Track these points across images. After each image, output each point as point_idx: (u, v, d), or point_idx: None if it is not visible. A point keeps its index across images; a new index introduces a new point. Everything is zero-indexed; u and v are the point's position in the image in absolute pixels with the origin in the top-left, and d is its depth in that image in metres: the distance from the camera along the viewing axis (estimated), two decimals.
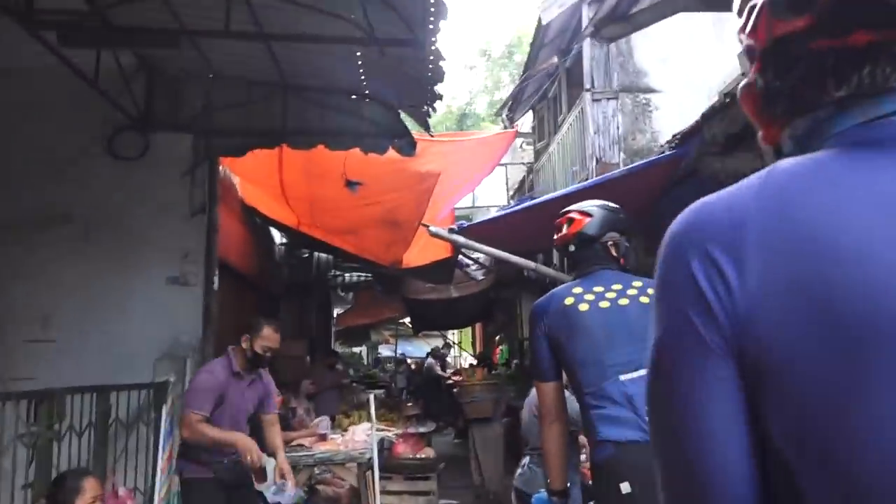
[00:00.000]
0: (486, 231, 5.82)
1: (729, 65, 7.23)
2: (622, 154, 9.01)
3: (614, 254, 2.55)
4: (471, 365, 12.69)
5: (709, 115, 5.32)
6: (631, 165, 6.19)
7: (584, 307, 2.43)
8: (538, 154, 12.94)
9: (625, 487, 2.17)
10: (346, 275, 14.19)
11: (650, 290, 2.41)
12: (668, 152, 5.42)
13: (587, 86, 9.33)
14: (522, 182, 14.17)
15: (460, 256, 9.78)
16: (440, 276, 9.56)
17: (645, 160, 6.20)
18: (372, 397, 5.66)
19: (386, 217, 6.85)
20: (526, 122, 14.11)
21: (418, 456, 6.56)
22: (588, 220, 2.54)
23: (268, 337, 4.03)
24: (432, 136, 5.60)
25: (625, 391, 2.30)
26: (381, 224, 6.93)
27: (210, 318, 5.28)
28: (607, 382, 2.32)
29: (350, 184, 5.56)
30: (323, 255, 12.31)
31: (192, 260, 5.43)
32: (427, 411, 12.46)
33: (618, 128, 9.19)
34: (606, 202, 2.63)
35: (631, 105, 9.26)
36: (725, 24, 8.04)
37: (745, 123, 5.51)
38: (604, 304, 2.43)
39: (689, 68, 8.93)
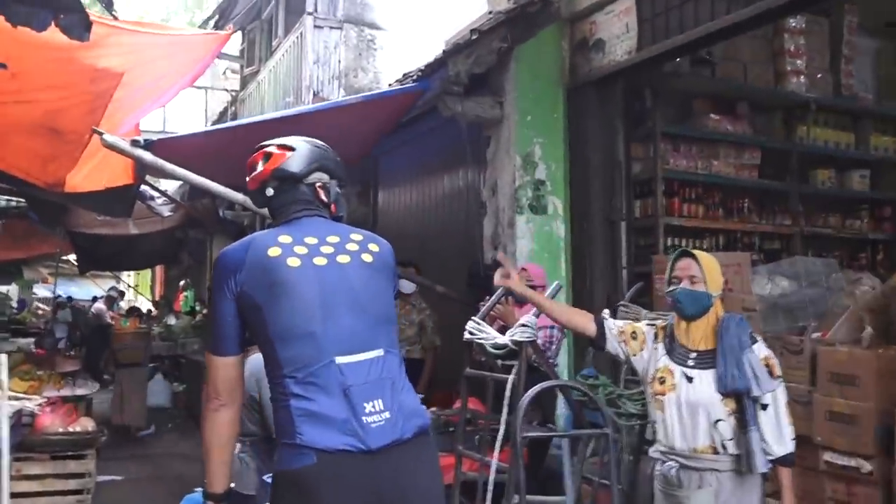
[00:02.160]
0: (182, 150, 4.66)
1: (461, 16, 6.84)
2: (342, 91, 8.28)
3: (324, 198, 2.05)
4: (125, 312, 11.58)
5: (453, 52, 4.81)
6: (370, 93, 5.49)
7: (294, 262, 1.88)
8: (245, 82, 11.71)
9: None
10: None
11: (373, 246, 2.02)
12: (410, 84, 4.80)
13: (309, 9, 8.42)
14: (224, 112, 12.75)
15: (144, 187, 8.28)
16: (116, 207, 7.91)
17: (384, 90, 5.52)
18: (4, 357, 4.19)
19: (43, 122, 5.21)
20: (233, 45, 12.63)
21: (70, 429, 5.20)
22: (289, 154, 2.03)
23: None
24: (116, 18, 4.27)
25: (341, 380, 1.78)
26: (36, 131, 5.26)
27: None
28: (320, 365, 1.80)
29: None
30: None
31: None
32: (90, 366, 10.72)
33: (339, 61, 8.44)
34: (311, 138, 2.12)
35: (356, 39, 8.54)
36: None
37: (489, 66, 5.13)
38: (320, 261, 1.91)
39: (418, 12, 8.45)
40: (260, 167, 2.04)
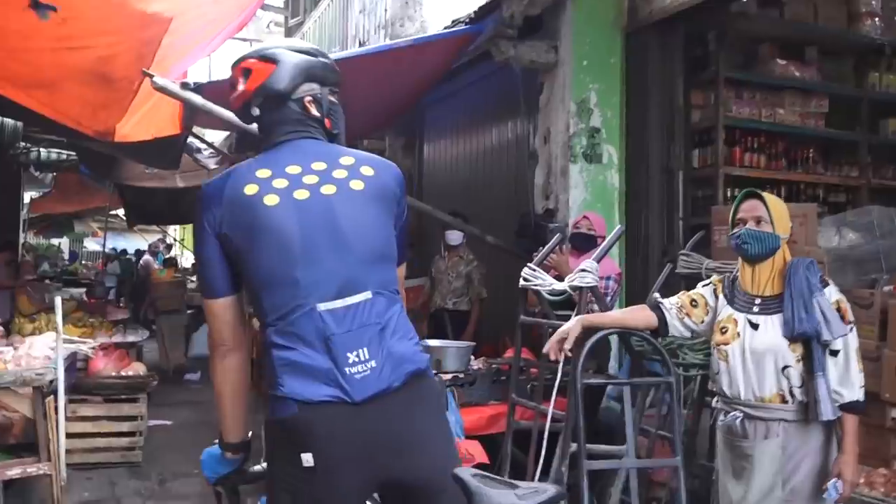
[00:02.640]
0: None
1: None
2: (388, 40, 8.11)
3: (315, 113, 1.83)
4: (162, 263, 11.99)
5: None
6: (421, 36, 5.34)
7: (271, 200, 1.71)
8: (290, 33, 11.60)
9: (306, 459, 1.62)
10: (42, 150, 11.66)
11: (366, 169, 1.81)
12: (462, 27, 4.64)
13: None
14: None
15: (190, 139, 8.28)
16: (163, 158, 7.93)
17: (434, 33, 5.37)
18: (59, 300, 4.25)
19: (95, 69, 5.15)
20: None
21: (123, 373, 5.29)
22: (273, 68, 1.79)
23: None
24: None
25: (321, 329, 1.64)
26: (88, 77, 5.22)
27: None
28: (300, 313, 1.66)
29: (38, 5, 3.94)
30: (9, 122, 9.89)
31: None
32: (139, 315, 10.97)
33: (385, 10, 8.24)
34: (294, 42, 1.90)
35: None
36: None
37: (545, 7, 4.92)
38: (301, 195, 1.73)
39: None
40: (241, 86, 1.80)
